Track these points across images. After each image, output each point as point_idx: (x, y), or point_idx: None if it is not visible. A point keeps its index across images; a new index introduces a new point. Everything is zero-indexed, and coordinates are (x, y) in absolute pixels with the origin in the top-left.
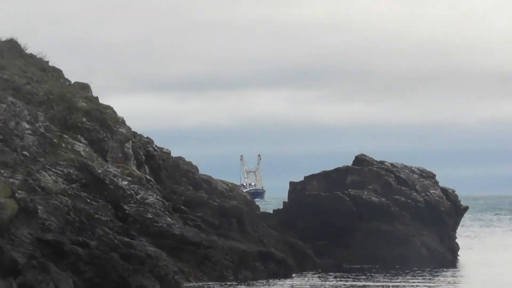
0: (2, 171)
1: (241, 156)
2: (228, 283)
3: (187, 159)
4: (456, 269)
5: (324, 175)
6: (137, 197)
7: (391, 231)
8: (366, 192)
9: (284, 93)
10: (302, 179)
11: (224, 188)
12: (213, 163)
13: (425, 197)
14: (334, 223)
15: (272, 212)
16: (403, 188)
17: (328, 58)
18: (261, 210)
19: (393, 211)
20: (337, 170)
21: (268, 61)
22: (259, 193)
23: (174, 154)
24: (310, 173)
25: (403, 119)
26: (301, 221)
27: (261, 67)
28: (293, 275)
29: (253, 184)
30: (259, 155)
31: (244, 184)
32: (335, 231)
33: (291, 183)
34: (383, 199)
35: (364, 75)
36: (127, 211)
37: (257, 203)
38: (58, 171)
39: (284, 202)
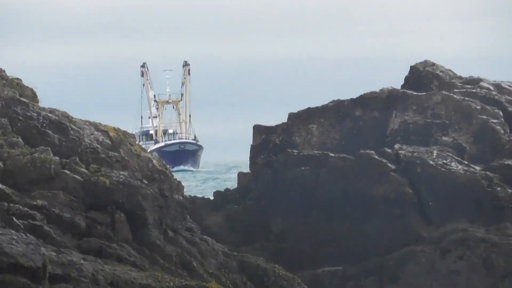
0: None
1: (143, 65)
2: None
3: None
4: None
5: (336, 108)
6: None
7: (502, 244)
8: (436, 153)
9: None
10: (285, 118)
11: (97, 139)
12: (71, 78)
13: None
14: (364, 226)
15: (213, 198)
16: None
17: None
18: (189, 192)
19: (503, 199)
20: (365, 98)
21: None
22: (185, 153)
23: None
24: (299, 106)
25: None
26: (281, 218)
27: None
28: None
29: (171, 131)
30: (185, 64)
31: (150, 130)
32: (367, 244)
33: (258, 129)
34: (479, 170)
35: None
36: None
37: (179, 175)
38: None
39: (240, 174)
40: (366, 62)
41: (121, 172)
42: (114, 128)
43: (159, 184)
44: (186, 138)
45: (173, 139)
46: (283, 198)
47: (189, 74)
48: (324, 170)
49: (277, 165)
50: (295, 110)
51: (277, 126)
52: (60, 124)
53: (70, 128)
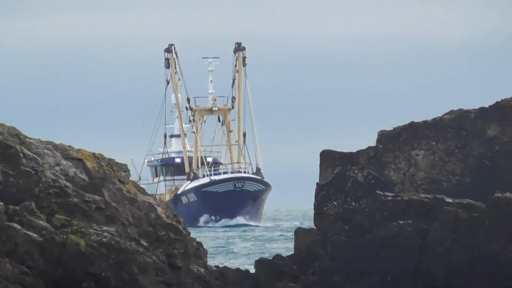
0: None
1: (169, 48)
2: None
3: None
4: None
5: (455, 123)
6: None
7: None
8: None
9: None
10: (372, 138)
11: (65, 173)
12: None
13: None
14: None
15: (254, 270)
16: None
17: None
18: (215, 257)
19: None
20: (504, 107)
21: None
22: (244, 196)
23: None
24: (399, 119)
25: None
26: None
27: None
28: None
29: (210, 159)
30: (238, 48)
31: (176, 157)
32: None
33: (328, 157)
34: None
35: None
36: None
37: (221, 233)
38: None
39: (299, 232)
40: None
41: (105, 228)
42: (94, 154)
43: (166, 248)
44: (243, 171)
45: (222, 172)
46: (368, 272)
47: (244, 65)
48: (437, 225)
49: (359, 217)
50: (389, 127)
51: (359, 152)
52: (6, 147)
53: (21, 155)
